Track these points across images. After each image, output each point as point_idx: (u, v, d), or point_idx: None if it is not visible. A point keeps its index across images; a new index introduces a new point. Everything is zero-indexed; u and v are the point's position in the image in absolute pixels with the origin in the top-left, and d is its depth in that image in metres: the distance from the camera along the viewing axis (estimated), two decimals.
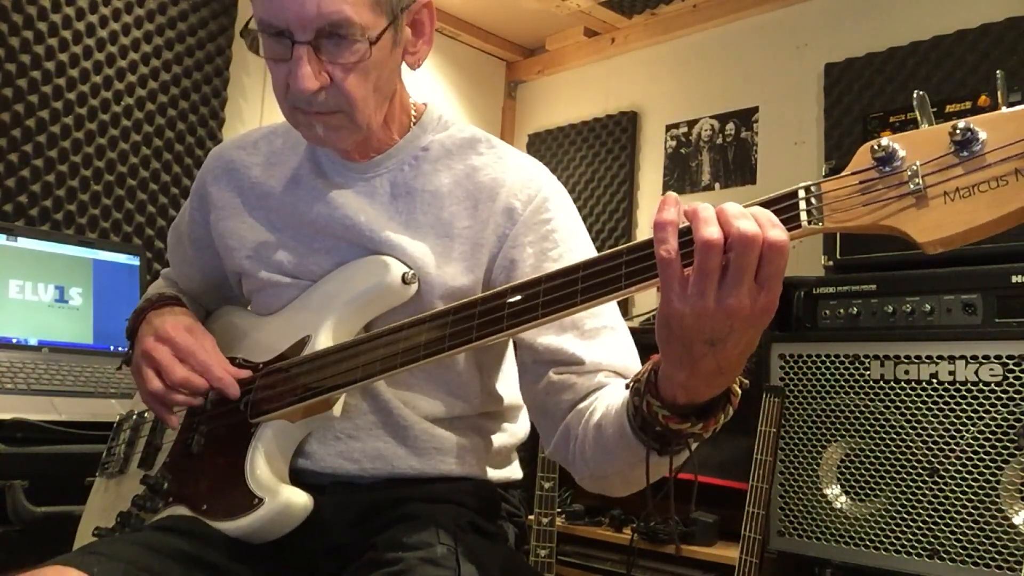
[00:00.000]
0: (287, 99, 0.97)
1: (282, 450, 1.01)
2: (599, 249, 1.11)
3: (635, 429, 0.84)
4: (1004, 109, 0.68)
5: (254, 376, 1.04)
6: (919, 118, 0.71)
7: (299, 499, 0.96)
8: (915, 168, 0.68)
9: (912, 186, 0.68)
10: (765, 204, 0.73)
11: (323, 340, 1.01)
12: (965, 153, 0.67)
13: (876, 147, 0.70)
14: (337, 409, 1.00)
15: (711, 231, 0.69)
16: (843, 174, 0.72)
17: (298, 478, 1.02)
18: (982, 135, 0.66)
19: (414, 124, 1.10)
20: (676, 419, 0.80)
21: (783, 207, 0.72)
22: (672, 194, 0.75)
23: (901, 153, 0.69)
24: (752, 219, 0.69)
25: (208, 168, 1.17)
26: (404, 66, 1.05)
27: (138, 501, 1.08)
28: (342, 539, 1.00)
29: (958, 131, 0.67)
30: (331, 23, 0.91)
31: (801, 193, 0.72)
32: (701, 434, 0.81)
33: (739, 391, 0.82)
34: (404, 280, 1.00)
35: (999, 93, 0.70)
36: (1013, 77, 2.26)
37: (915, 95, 0.72)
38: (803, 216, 0.72)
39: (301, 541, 0.98)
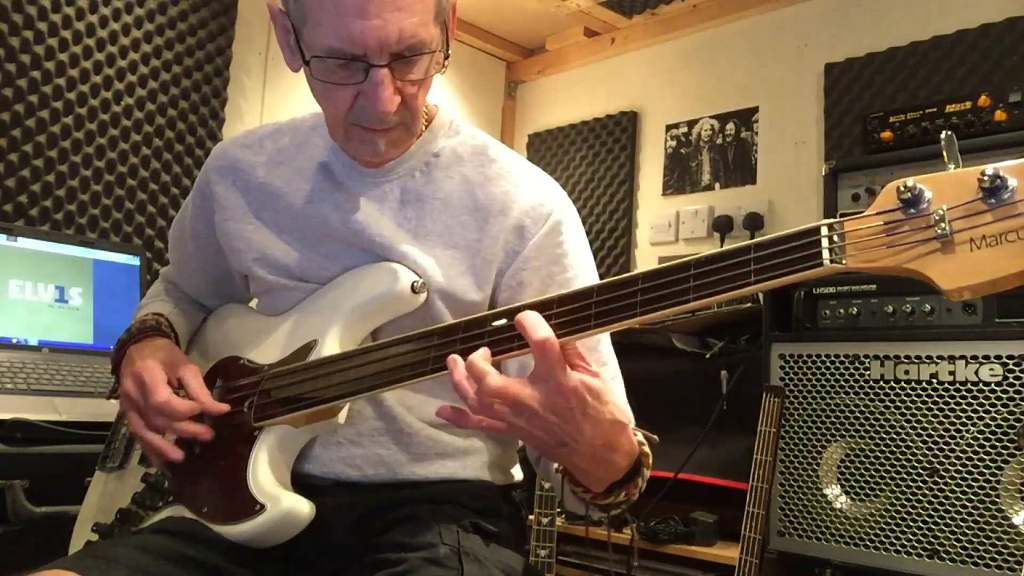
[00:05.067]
0: (347, 119, 0.97)
1: (285, 455, 1.00)
2: (599, 251, 1.12)
3: (579, 498, 0.93)
4: None
5: (259, 379, 1.04)
6: (946, 159, 0.70)
7: (301, 507, 0.95)
8: (942, 212, 0.67)
9: (939, 231, 0.67)
10: (786, 239, 0.73)
11: (329, 346, 1.00)
12: (993, 200, 0.65)
13: (903, 188, 0.69)
14: (342, 417, 0.99)
15: (468, 390, 0.81)
16: (867, 213, 0.71)
17: (299, 480, 1.01)
18: (1012, 183, 0.65)
19: (425, 128, 1.09)
20: (601, 497, 0.89)
21: (804, 243, 0.72)
22: (454, 358, 0.83)
23: (928, 195, 0.68)
24: (477, 372, 0.79)
25: (212, 166, 1.15)
26: None
27: (138, 498, 1.08)
28: (344, 541, 1.00)
29: (987, 177, 0.65)
30: (409, 46, 0.92)
31: (824, 231, 0.71)
32: (629, 499, 0.90)
33: (648, 451, 0.91)
34: (413, 289, 1.00)
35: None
36: (1013, 77, 2.26)
37: (943, 135, 0.71)
38: (825, 254, 0.71)
39: (303, 543, 0.97)
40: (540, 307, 0.83)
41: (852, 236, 0.70)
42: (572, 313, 0.82)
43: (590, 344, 1.04)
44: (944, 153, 0.71)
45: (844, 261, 0.70)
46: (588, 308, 0.81)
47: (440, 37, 0.96)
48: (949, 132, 0.71)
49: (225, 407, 1.04)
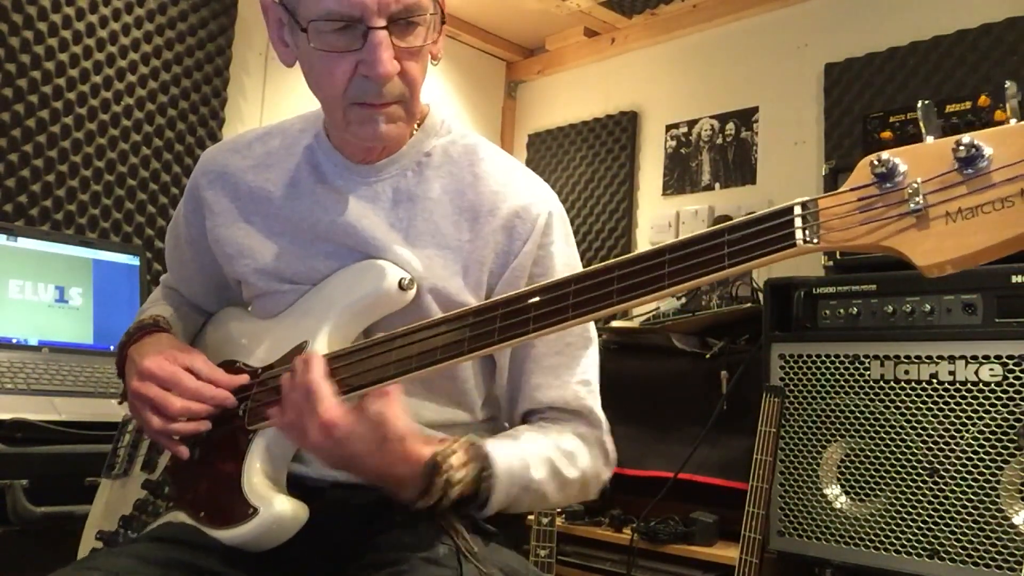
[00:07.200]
0: (348, 94, 0.96)
1: (279, 457, 1.00)
2: (599, 251, 1.13)
3: None
4: (1012, 122, 0.63)
5: (252, 382, 1.03)
6: (923, 129, 0.67)
7: (293, 510, 0.95)
8: (916, 185, 0.64)
9: (912, 205, 0.64)
10: (759, 220, 0.71)
11: (320, 346, 1.00)
12: (969, 170, 0.62)
13: (876, 162, 0.66)
14: None
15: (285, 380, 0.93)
16: (841, 190, 0.69)
17: (298, 483, 1.01)
18: (988, 151, 0.62)
19: (417, 127, 1.08)
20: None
21: (778, 224, 0.70)
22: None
23: (902, 168, 0.66)
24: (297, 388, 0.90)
25: (201, 172, 1.15)
26: None
27: (139, 505, 1.08)
28: (342, 541, 1.00)
29: (962, 147, 0.62)
30: (406, 6, 0.91)
31: (797, 209, 0.70)
32: (430, 506, 0.92)
33: (438, 462, 0.91)
34: (401, 286, 0.99)
35: (1008, 105, 0.65)
36: (1013, 77, 2.26)
37: (920, 104, 0.69)
38: (798, 234, 0.69)
39: (301, 544, 0.97)
40: (517, 299, 0.85)
41: (826, 215, 0.68)
42: (551, 304, 0.82)
43: (566, 360, 1.07)
44: (921, 124, 0.68)
45: (817, 240, 0.68)
46: (566, 298, 0.81)
47: (434, 7, 0.95)
48: (926, 101, 0.69)
49: (244, 378, 1.04)
